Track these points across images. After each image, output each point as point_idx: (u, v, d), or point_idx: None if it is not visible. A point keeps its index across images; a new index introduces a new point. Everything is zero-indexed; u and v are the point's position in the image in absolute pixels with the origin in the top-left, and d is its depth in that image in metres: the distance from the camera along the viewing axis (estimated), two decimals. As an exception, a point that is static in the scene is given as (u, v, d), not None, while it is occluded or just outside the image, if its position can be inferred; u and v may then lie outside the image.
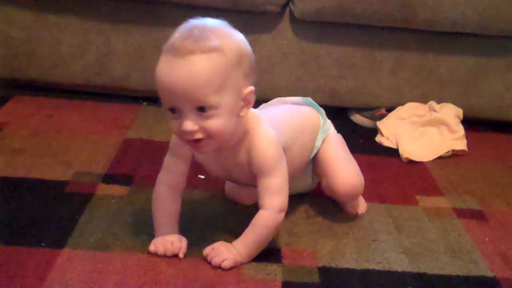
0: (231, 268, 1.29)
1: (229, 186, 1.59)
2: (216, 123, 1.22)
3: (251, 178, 1.35)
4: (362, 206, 1.59)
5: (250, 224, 1.33)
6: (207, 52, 1.19)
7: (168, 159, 1.40)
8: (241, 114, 1.26)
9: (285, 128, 1.40)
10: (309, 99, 1.56)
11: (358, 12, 2.04)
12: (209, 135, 1.23)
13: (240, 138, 1.31)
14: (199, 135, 1.23)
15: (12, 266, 1.26)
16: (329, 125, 1.56)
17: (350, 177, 1.50)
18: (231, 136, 1.28)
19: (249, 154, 1.32)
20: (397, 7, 2.02)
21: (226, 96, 1.22)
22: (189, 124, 1.21)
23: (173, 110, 1.23)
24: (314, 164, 1.54)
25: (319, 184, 1.58)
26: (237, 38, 1.26)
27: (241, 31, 1.29)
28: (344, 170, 1.50)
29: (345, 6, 2.02)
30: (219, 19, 1.29)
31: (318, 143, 1.51)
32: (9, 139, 1.85)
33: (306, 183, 1.59)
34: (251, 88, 1.26)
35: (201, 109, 1.21)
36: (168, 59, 1.21)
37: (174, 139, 1.38)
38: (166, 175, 1.39)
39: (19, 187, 1.57)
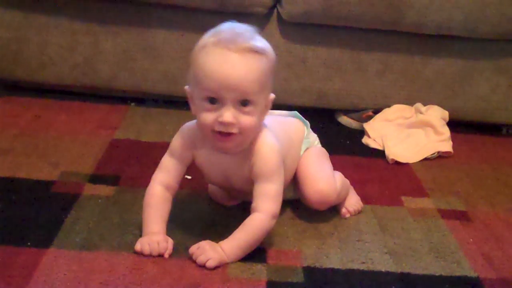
0: (215, 268, 1.30)
1: (212, 186, 1.60)
2: (251, 119, 1.30)
3: (249, 184, 1.37)
4: (355, 206, 1.60)
5: (241, 225, 1.34)
6: (259, 53, 1.29)
7: (166, 160, 1.42)
8: (262, 117, 1.35)
9: (281, 139, 1.42)
10: (295, 112, 1.60)
11: (345, 15, 2.05)
12: (241, 131, 1.29)
13: (248, 143, 1.35)
14: (234, 129, 1.29)
15: (-2, 265, 1.26)
16: (314, 138, 1.59)
17: (321, 186, 1.49)
18: (252, 137, 1.34)
19: (252, 160, 1.36)
20: (384, 9, 2.03)
21: (263, 97, 1.32)
22: (230, 116, 1.27)
23: (212, 101, 1.28)
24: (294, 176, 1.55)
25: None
26: (270, 47, 1.35)
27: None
28: (315, 178, 1.50)
29: (332, 9, 2.04)
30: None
31: (302, 152, 1.54)
32: (-4, 139, 1.85)
33: (289, 192, 1.59)
34: (273, 95, 1.36)
35: (244, 103, 1.28)
36: (222, 52, 1.27)
37: (176, 142, 1.41)
38: (162, 176, 1.41)
39: (6, 187, 1.58)
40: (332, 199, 1.52)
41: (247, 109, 1.29)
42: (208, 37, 1.30)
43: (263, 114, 1.35)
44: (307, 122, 1.60)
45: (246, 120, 1.29)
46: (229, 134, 1.30)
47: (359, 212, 1.60)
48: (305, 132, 1.57)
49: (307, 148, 1.55)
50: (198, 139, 1.38)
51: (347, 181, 1.62)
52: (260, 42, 1.31)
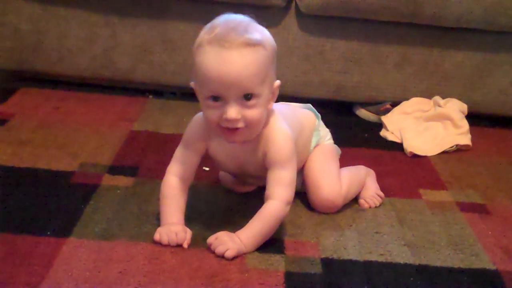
0: (234, 258, 1.30)
1: (224, 173, 1.60)
2: (256, 112, 1.30)
3: (263, 170, 1.38)
4: (374, 198, 1.60)
5: (257, 214, 1.35)
6: (254, 45, 1.27)
7: (180, 151, 1.42)
8: (269, 106, 1.34)
9: (290, 126, 1.42)
10: (309, 105, 1.61)
11: (363, 7, 2.04)
12: (248, 125, 1.30)
13: (259, 131, 1.35)
14: (240, 124, 1.29)
15: (19, 255, 1.27)
16: (325, 133, 1.59)
17: (325, 194, 1.51)
18: (261, 127, 1.34)
19: (265, 147, 1.36)
20: (402, 2, 2.02)
21: (266, 88, 1.31)
22: (234, 112, 1.27)
23: (215, 99, 1.28)
24: (302, 170, 1.55)
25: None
26: (269, 35, 1.34)
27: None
28: (319, 185, 1.51)
29: (351, 1, 2.03)
30: (226, 13, 1.33)
31: (313, 144, 1.55)
32: (16, 130, 1.86)
33: (298, 183, 1.59)
34: (279, 82, 1.35)
35: (247, 98, 1.28)
36: (217, 50, 1.26)
37: (189, 133, 1.42)
38: (177, 167, 1.41)
39: (26, 177, 1.59)
40: (337, 204, 1.53)
41: (251, 102, 1.28)
42: (204, 34, 1.29)
43: (270, 102, 1.35)
44: (319, 114, 1.60)
45: (251, 113, 1.29)
46: (236, 129, 1.30)
47: (380, 204, 1.60)
48: (316, 124, 1.57)
49: (317, 144, 1.56)
50: (210, 130, 1.38)
51: (363, 175, 1.62)
52: (256, 33, 1.29)
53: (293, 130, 1.41)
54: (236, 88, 1.26)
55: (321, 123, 1.60)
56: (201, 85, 1.30)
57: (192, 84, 1.35)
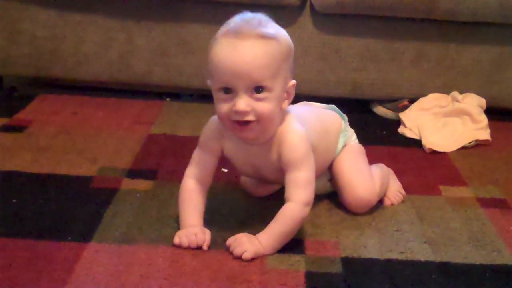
0: (252, 259, 1.30)
1: (245, 178, 1.60)
2: (267, 106, 1.29)
3: (280, 174, 1.37)
4: (398, 195, 1.60)
5: (276, 216, 1.35)
6: (267, 38, 1.28)
7: (197, 154, 1.43)
8: (283, 106, 1.34)
9: (311, 128, 1.42)
10: (333, 106, 1.60)
11: (378, 4, 2.04)
12: (259, 119, 1.29)
13: (273, 132, 1.35)
14: (250, 117, 1.29)
15: (40, 260, 1.28)
16: (351, 133, 1.59)
17: (360, 193, 1.50)
18: (273, 125, 1.34)
19: (279, 148, 1.35)
20: (418, -2, 2.02)
21: (278, 83, 1.30)
22: (243, 104, 1.27)
23: (226, 91, 1.28)
24: (331, 171, 1.55)
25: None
26: (286, 33, 1.35)
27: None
28: (354, 185, 1.51)
29: (365, -2, 2.03)
30: (240, 13, 1.34)
31: (339, 146, 1.54)
32: (35, 136, 1.88)
33: (326, 185, 1.59)
34: (294, 81, 1.35)
35: (257, 90, 1.28)
36: (230, 41, 1.27)
37: (205, 134, 1.43)
38: (194, 170, 1.42)
39: (46, 183, 1.60)
40: (372, 203, 1.53)
41: (261, 95, 1.28)
42: (220, 30, 1.31)
43: (283, 101, 1.34)
44: (345, 116, 1.59)
45: (262, 106, 1.28)
46: (246, 123, 1.30)
47: (402, 201, 1.60)
48: (342, 126, 1.56)
49: (344, 145, 1.55)
50: (225, 130, 1.38)
51: (387, 172, 1.62)
52: (270, 28, 1.31)
53: (313, 132, 1.41)
54: (246, 79, 1.26)
55: (347, 124, 1.59)
56: (213, 77, 1.30)
57: (208, 82, 1.36)
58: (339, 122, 1.57)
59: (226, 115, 1.30)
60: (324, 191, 1.59)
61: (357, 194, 1.50)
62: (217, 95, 1.31)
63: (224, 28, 1.31)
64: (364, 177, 1.53)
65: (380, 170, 1.59)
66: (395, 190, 1.61)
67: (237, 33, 1.27)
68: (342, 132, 1.56)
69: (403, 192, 1.62)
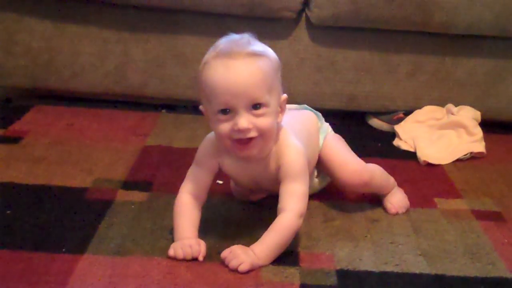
0: (248, 271, 1.30)
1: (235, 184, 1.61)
2: (267, 120, 1.31)
3: (278, 185, 1.38)
4: (401, 203, 1.61)
5: (270, 227, 1.35)
6: (259, 55, 1.31)
7: (192, 170, 1.44)
8: (278, 119, 1.36)
9: (300, 136, 1.43)
10: (305, 106, 1.62)
11: (374, 17, 2.04)
12: (261, 134, 1.31)
13: (271, 147, 1.37)
14: (253, 133, 1.30)
15: (34, 272, 1.27)
16: (327, 127, 1.60)
17: (352, 166, 1.54)
18: (272, 139, 1.36)
19: (278, 162, 1.37)
20: (413, 10, 2.02)
21: (273, 98, 1.33)
22: (245, 122, 1.28)
23: (225, 111, 1.29)
24: (319, 163, 1.57)
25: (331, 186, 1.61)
26: (271, 50, 1.37)
27: (258, 38, 1.37)
28: (345, 162, 1.54)
29: (361, 11, 2.03)
30: (237, 26, 1.35)
31: (320, 142, 1.56)
32: (31, 147, 1.88)
33: (314, 184, 1.61)
34: (285, 95, 1.37)
35: (256, 107, 1.29)
36: (223, 62, 1.29)
37: (201, 152, 1.44)
38: (190, 186, 1.42)
39: (41, 194, 1.60)
40: (365, 179, 1.55)
41: (260, 111, 1.30)
42: (208, 54, 1.33)
43: (278, 115, 1.36)
44: (318, 113, 1.61)
45: (262, 121, 1.30)
46: (249, 140, 1.31)
47: (406, 210, 1.61)
48: (318, 123, 1.59)
49: (325, 138, 1.57)
50: (222, 148, 1.38)
51: (385, 172, 1.64)
52: (259, 46, 1.33)
53: (302, 140, 1.42)
54: (245, 97, 1.28)
55: (322, 119, 1.61)
56: (209, 100, 1.31)
57: (201, 107, 1.38)
58: (316, 120, 1.59)
59: (227, 135, 1.31)
60: (313, 190, 1.59)
61: (350, 168, 1.53)
62: (216, 117, 1.31)
63: (213, 52, 1.32)
64: (352, 154, 1.57)
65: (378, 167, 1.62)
66: (400, 198, 1.62)
67: (229, 54, 1.29)
68: (320, 129, 1.58)
69: (408, 203, 1.63)
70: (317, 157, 1.55)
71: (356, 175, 1.54)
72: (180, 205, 1.41)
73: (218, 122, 1.31)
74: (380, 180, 1.60)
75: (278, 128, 1.38)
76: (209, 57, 1.31)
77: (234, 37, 1.34)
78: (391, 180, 1.64)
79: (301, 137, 1.43)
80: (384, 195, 1.62)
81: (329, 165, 1.55)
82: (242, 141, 1.31)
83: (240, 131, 1.29)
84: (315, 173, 1.61)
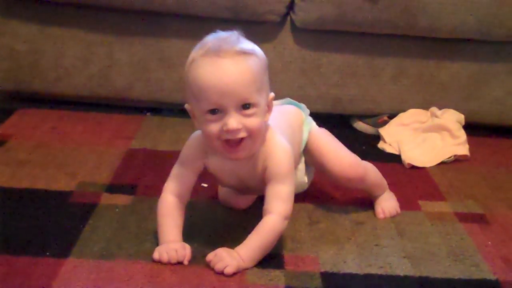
0: (233, 274, 1.30)
1: (223, 192, 1.60)
2: (256, 120, 1.30)
3: (264, 183, 1.38)
4: (391, 209, 1.62)
5: (255, 229, 1.35)
6: (248, 54, 1.29)
7: (177, 170, 1.42)
8: (265, 118, 1.34)
9: (284, 133, 1.42)
10: (288, 99, 1.60)
11: (358, 20, 2.05)
12: (250, 134, 1.29)
13: (259, 147, 1.36)
14: (242, 134, 1.29)
15: (17, 276, 1.27)
16: (310, 120, 1.59)
17: (348, 159, 1.54)
18: (261, 139, 1.34)
19: (265, 162, 1.36)
20: (397, 14, 2.03)
21: (262, 97, 1.31)
22: (235, 122, 1.27)
23: (214, 111, 1.27)
24: (308, 157, 1.56)
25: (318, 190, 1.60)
26: (259, 48, 1.35)
27: (244, 39, 1.36)
28: (337, 156, 1.54)
29: (346, 15, 2.04)
30: (222, 29, 1.34)
31: (305, 135, 1.54)
32: (14, 151, 1.86)
33: (303, 183, 1.59)
34: (273, 94, 1.36)
35: (245, 107, 1.28)
36: (212, 60, 1.26)
37: (186, 152, 1.42)
38: (173, 186, 1.41)
39: (24, 198, 1.59)
40: (359, 173, 1.55)
41: (249, 111, 1.28)
42: (196, 51, 1.30)
43: (266, 114, 1.35)
44: (302, 104, 1.60)
45: (251, 122, 1.29)
46: (239, 142, 1.30)
47: (395, 216, 1.61)
48: (303, 116, 1.57)
49: (310, 131, 1.55)
50: (209, 148, 1.38)
51: (379, 173, 1.64)
52: (248, 44, 1.31)
53: (287, 138, 1.41)
54: (234, 97, 1.26)
55: (307, 112, 1.59)
56: (198, 100, 1.29)
57: (186, 106, 1.35)
58: (300, 114, 1.57)
59: (216, 136, 1.30)
60: (302, 187, 1.59)
61: (345, 161, 1.54)
62: (204, 117, 1.29)
63: (200, 49, 1.29)
64: (345, 149, 1.57)
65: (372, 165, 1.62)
66: (392, 204, 1.63)
67: (218, 52, 1.27)
68: (304, 122, 1.56)
69: (399, 209, 1.63)
70: (301, 152, 1.54)
71: (352, 169, 1.54)
72: (164, 206, 1.40)
73: (207, 122, 1.29)
74: (374, 178, 1.61)
75: (266, 127, 1.37)
76: (196, 55, 1.29)
77: (222, 34, 1.32)
78: (384, 181, 1.64)
79: (286, 135, 1.42)
80: (376, 197, 1.62)
81: (321, 158, 1.53)
82: (232, 143, 1.30)
83: (229, 131, 1.28)
84: (303, 171, 1.58)
